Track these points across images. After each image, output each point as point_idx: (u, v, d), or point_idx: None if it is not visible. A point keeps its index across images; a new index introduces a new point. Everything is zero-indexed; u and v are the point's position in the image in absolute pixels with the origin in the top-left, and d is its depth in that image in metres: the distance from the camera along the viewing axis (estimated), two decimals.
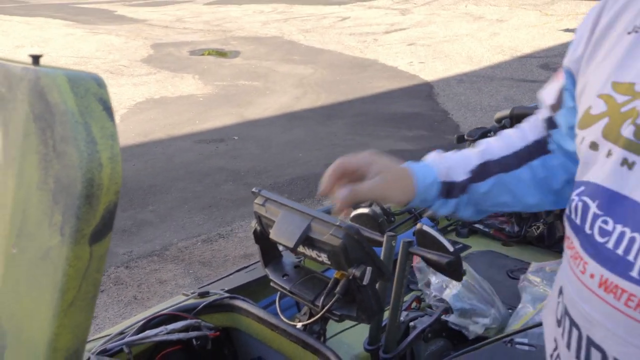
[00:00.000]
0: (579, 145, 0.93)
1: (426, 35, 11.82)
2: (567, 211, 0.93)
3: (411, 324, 1.74)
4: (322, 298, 1.40)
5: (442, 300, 1.82)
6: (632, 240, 0.78)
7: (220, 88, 8.53)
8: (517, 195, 1.14)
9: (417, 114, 7.15)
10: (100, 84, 0.87)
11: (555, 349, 0.94)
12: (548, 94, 1.11)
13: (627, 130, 0.82)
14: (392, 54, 10.48)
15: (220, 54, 11.08)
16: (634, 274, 0.78)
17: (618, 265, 0.79)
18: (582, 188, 0.89)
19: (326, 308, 1.37)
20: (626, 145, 0.81)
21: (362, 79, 8.97)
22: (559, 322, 0.93)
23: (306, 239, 1.34)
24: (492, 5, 14.03)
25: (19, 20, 14.00)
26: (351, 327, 1.80)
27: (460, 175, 1.13)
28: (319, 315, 1.39)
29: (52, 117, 0.84)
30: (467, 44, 10.91)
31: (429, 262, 1.54)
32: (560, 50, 9.71)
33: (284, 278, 1.51)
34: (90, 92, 0.85)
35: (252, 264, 1.89)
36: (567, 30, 11.24)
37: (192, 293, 1.66)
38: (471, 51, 10.37)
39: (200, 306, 1.56)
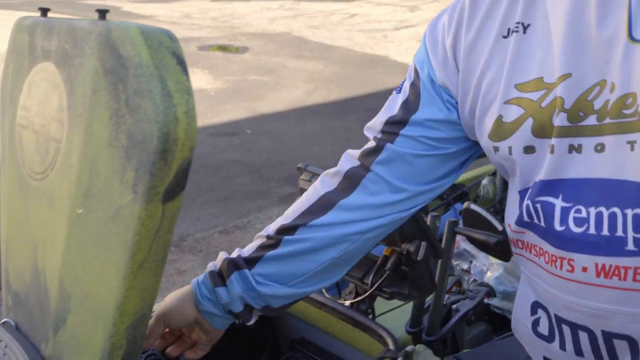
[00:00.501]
0: (494, 154, 0.90)
1: None
2: (517, 222, 0.89)
3: (453, 306, 1.70)
4: (371, 275, 1.37)
5: (483, 284, 1.79)
6: (612, 217, 0.76)
7: (231, 83, 8.50)
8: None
9: None
10: (172, 38, 0.84)
11: None
12: (387, 114, 1.07)
13: (559, 119, 0.81)
14: (403, 51, 10.45)
15: (229, 49, 11.06)
16: (630, 247, 0.75)
17: (609, 246, 0.77)
18: (530, 191, 0.86)
19: (376, 285, 1.34)
20: (565, 133, 0.80)
21: (373, 75, 8.94)
22: (550, 337, 0.89)
23: None
24: None
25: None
26: (391, 310, 1.77)
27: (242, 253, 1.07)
28: (368, 292, 1.36)
29: (125, 70, 0.82)
30: None
31: (475, 242, 1.51)
32: None
33: None
34: (163, 45, 0.82)
35: None
36: None
37: None
38: None
39: None
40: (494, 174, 2.58)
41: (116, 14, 14.61)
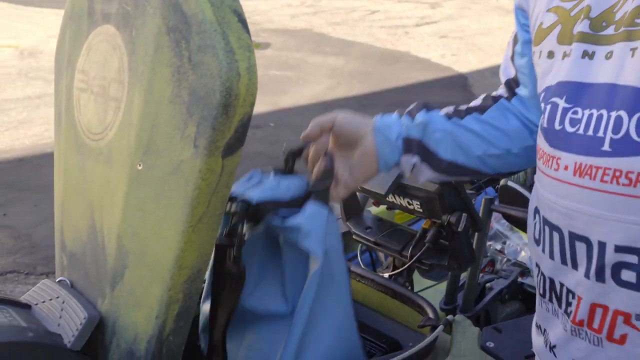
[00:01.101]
0: (536, 60, 0.98)
1: (458, 28, 11.74)
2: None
3: (487, 285, 1.71)
4: (410, 248, 1.39)
5: (516, 264, 1.80)
6: (599, 118, 0.81)
7: None
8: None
9: (452, 103, 7.08)
10: None
11: (539, 271, 0.93)
12: (504, 71, 1.21)
13: (581, 26, 0.87)
14: (424, 47, 10.42)
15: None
16: (605, 147, 0.79)
17: (589, 146, 0.81)
18: (544, 94, 0.93)
19: (416, 256, 1.35)
20: (583, 39, 0.86)
21: (395, 71, 8.93)
22: (537, 240, 0.93)
23: (398, 186, 1.33)
24: None
25: (49, 11, 14.09)
26: (425, 289, 1.79)
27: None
28: (408, 264, 1.37)
29: (189, 27, 0.84)
30: (500, 36, 10.81)
31: (511, 219, 1.53)
32: None
33: (368, 231, 1.50)
34: (225, 3, 0.84)
35: None
36: None
37: None
38: (504, 44, 10.23)
39: None
40: None
41: None
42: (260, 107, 7.07)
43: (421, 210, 1.34)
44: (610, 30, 0.84)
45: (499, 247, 1.85)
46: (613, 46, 0.83)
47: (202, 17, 0.82)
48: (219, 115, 0.81)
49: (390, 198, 1.37)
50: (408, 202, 1.35)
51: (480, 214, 1.55)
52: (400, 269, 1.42)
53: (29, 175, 4.87)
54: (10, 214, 4.24)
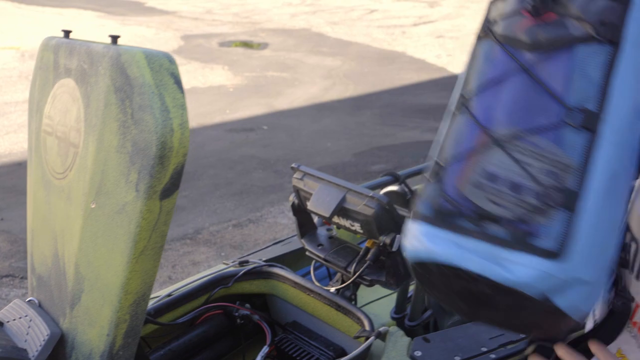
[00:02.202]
0: None
1: (455, 27, 11.86)
2: None
3: None
4: (354, 265, 1.53)
5: None
6: None
7: (250, 79, 8.68)
8: None
9: (445, 105, 7.16)
10: (171, 60, 1.01)
11: None
12: None
13: None
14: (420, 46, 10.55)
15: (249, 45, 11.24)
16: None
17: None
18: None
19: (357, 273, 1.50)
20: None
21: (390, 71, 9.06)
22: None
23: (341, 209, 1.47)
24: None
25: (51, 11, 14.29)
26: (379, 298, 1.93)
27: None
28: (350, 280, 1.52)
29: (131, 88, 0.98)
30: None
31: None
32: None
33: (319, 248, 1.64)
34: (163, 67, 0.99)
35: (287, 238, 2.02)
36: None
37: (232, 262, 1.80)
38: None
39: (241, 273, 1.69)
40: None
41: (140, 10, 14.87)
42: (255, 109, 7.22)
43: (362, 231, 1.48)
44: None
45: None
46: None
47: (143, 81, 0.97)
48: (155, 165, 0.96)
49: (336, 219, 1.51)
50: (350, 223, 1.49)
51: None
52: (345, 284, 1.57)
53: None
54: (7, 218, 4.41)
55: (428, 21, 12.64)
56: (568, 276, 0.74)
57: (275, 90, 8.05)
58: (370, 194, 1.42)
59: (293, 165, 1.63)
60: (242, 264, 1.77)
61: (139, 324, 1.07)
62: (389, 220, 1.43)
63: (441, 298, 0.88)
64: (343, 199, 1.47)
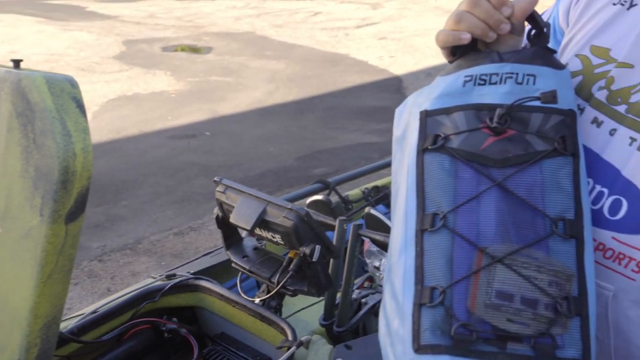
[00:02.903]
0: None
1: (397, 29, 12.01)
2: None
3: (363, 300, 1.89)
4: (277, 275, 1.55)
5: None
6: (600, 195, 0.87)
7: (193, 84, 8.62)
8: None
9: (386, 107, 7.32)
10: (73, 84, 1.01)
11: None
12: None
13: (600, 94, 0.90)
14: (363, 48, 10.65)
15: (193, 50, 11.16)
16: (601, 221, 0.87)
17: (595, 219, 0.87)
18: None
19: (281, 284, 1.52)
20: (597, 106, 0.90)
21: (333, 74, 9.13)
22: None
23: (262, 222, 1.49)
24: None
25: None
26: (309, 306, 1.96)
27: None
28: (274, 291, 1.54)
29: (33, 114, 0.98)
30: None
31: (376, 243, 1.71)
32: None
33: (244, 259, 1.66)
34: (65, 91, 0.99)
35: (216, 249, 2.03)
36: None
37: (159, 276, 1.81)
38: None
39: (168, 286, 1.70)
40: None
41: (81, 14, 14.60)
42: (197, 115, 7.18)
43: (282, 242, 1.50)
44: (621, 109, 0.88)
45: (377, 264, 2.03)
46: (618, 125, 0.88)
47: (43, 106, 0.97)
48: (59, 190, 0.96)
49: (258, 231, 1.53)
50: (272, 235, 1.51)
51: (350, 238, 1.73)
52: (270, 294, 1.59)
53: None
54: None
55: (371, 23, 12.77)
56: None
57: (218, 95, 8.02)
58: (289, 207, 1.45)
59: (215, 179, 1.65)
60: (169, 277, 1.77)
61: (51, 347, 1.07)
62: (308, 231, 1.45)
63: None
64: (264, 212, 1.49)
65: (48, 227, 0.98)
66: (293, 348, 1.37)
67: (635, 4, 0.93)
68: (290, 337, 1.43)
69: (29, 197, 1.00)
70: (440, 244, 0.82)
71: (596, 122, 0.90)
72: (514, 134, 0.83)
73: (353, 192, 2.53)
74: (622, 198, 0.86)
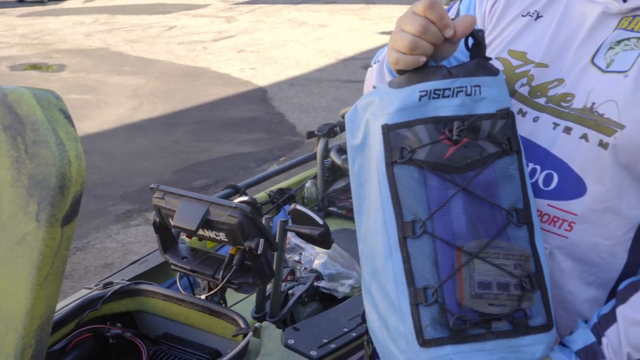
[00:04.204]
0: None
1: (254, 41, 12.19)
2: None
3: (290, 292, 2.04)
4: (221, 271, 1.66)
5: (312, 270, 2.14)
6: (533, 171, 1.07)
7: None
8: None
9: (254, 117, 7.47)
10: (58, 97, 1.09)
11: None
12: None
13: (523, 89, 1.09)
14: (223, 61, 10.72)
15: (44, 68, 10.69)
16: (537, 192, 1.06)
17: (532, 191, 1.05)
18: None
19: (226, 278, 1.63)
20: (521, 99, 1.10)
21: (196, 87, 9.13)
22: None
23: (206, 222, 1.60)
24: (313, 12, 14.75)
25: None
26: (238, 302, 2.07)
27: None
28: (220, 285, 1.65)
29: (23, 126, 1.05)
30: (294, 48, 11.42)
31: (303, 236, 1.86)
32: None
33: (184, 260, 1.75)
34: (52, 104, 1.07)
35: (143, 257, 2.09)
36: (384, 32, 12.13)
37: (95, 286, 1.84)
38: (298, 55, 10.89)
39: (109, 293, 1.74)
40: (315, 177, 2.96)
41: None
42: None
43: (227, 240, 1.62)
44: (541, 100, 1.07)
45: (297, 258, 2.19)
46: (540, 114, 1.07)
47: (35, 118, 1.04)
48: (56, 195, 1.03)
49: (201, 231, 1.64)
50: (215, 234, 1.62)
51: (277, 234, 1.87)
52: (214, 290, 1.69)
53: None
54: None
55: (227, 36, 12.86)
56: (554, 337, 0.98)
57: (80, 114, 7.77)
58: (234, 205, 1.56)
59: (152, 185, 1.73)
60: (106, 285, 1.82)
61: (44, 348, 1.12)
62: (252, 226, 1.58)
63: None
64: (207, 212, 1.60)
65: (45, 231, 1.05)
66: (250, 334, 1.49)
67: (542, 16, 1.15)
68: (243, 326, 1.55)
69: (22, 205, 1.06)
70: (423, 248, 0.96)
71: (521, 113, 1.10)
72: (468, 141, 0.99)
73: (259, 195, 2.67)
74: (553, 172, 1.06)
